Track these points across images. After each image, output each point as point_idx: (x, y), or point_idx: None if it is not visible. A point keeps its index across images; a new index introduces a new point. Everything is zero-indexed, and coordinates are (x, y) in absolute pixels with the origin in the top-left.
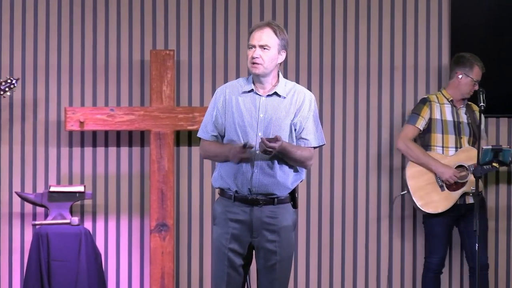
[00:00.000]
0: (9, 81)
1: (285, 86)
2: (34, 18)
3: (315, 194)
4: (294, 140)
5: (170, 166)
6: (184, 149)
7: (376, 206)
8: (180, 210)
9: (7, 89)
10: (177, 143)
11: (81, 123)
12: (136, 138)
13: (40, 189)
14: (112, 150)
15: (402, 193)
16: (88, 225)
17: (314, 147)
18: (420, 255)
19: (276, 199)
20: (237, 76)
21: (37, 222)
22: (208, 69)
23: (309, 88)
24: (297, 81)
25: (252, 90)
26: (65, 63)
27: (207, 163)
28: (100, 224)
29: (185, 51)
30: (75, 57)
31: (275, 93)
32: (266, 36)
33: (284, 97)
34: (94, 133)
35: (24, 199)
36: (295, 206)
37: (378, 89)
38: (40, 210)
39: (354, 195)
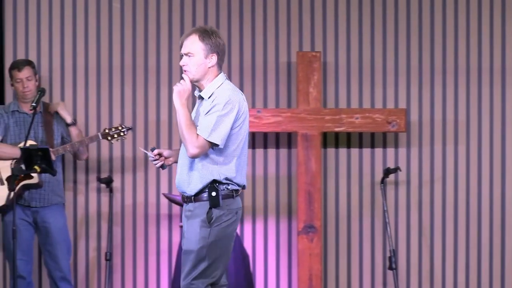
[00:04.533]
0: (120, 127)
1: (214, 88)
2: (181, 21)
3: (463, 196)
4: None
5: (317, 168)
6: (331, 151)
7: None
8: (327, 212)
9: (115, 135)
10: (324, 145)
11: None
12: (283, 140)
13: None
14: (259, 151)
15: None
16: None
17: (205, 138)
18: None
19: (192, 197)
20: (385, 78)
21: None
22: (354, 71)
23: (455, 89)
24: (444, 83)
25: (200, 95)
26: None
27: (355, 164)
28: (247, 226)
29: (332, 52)
30: None
31: (201, 96)
32: (189, 43)
33: (208, 99)
34: None
35: (171, 200)
36: (212, 204)
37: None
38: None
39: (502, 196)
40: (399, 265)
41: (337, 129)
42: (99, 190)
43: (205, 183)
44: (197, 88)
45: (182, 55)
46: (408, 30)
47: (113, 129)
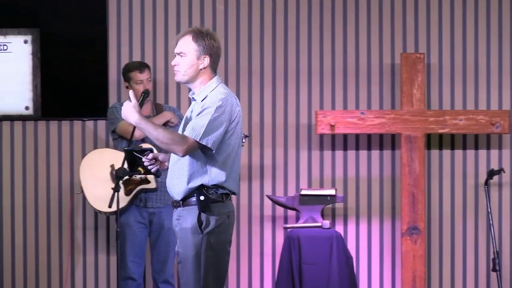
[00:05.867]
0: None
1: (208, 91)
2: (284, 22)
3: None
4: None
5: (421, 169)
6: (434, 152)
7: None
8: (431, 213)
9: None
10: (428, 146)
11: (332, 127)
12: (386, 141)
13: (292, 192)
14: (363, 153)
15: None
16: (339, 228)
17: (196, 140)
18: None
19: (180, 202)
20: (489, 79)
21: (288, 225)
22: (458, 72)
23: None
24: (501, 85)
25: (193, 97)
26: (316, 66)
27: (458, 166)
28: (351, 227)
29: (435, 53)
30: (325, 61)
31: (194, 98)
32: (182, 43)
33: (201, 101)
34: (345, 136)
35: (275, 202)
36: (201, 209)
37: None
38: (291, 213)
39: None
40: (502, 267)
41: (440, 131)
42: None
43: (193, 187)
44: (191, 90)
45: (176, 55)
46: None
47: None
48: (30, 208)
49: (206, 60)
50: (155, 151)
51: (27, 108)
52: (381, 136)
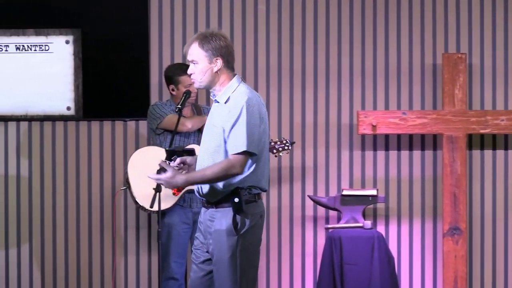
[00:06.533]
0: (284, 141)
1: (230, 92)
2: (326, 23)
3: None
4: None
5: (463, 170)
6: (476, 153)
7: None
8: (472, 214)
9: (280, 149)
10: (469, 147)
11: (374, 127)
12: (428, 142)
13: (333, 192)
14: (405, 153)
15: None
16: (380, 228)
17: (238, 153)
18: None
19: (213, 204)
20: None
21: (330, 226)
22: (500, 72)
23: None
24: None
25: (215, 100)
26: (357, 66)
27: (500, 166)
28: (393, 228)
29: (477, 54)
30: (367, 61)
31: (217, 101)
32: (192, 51)
33: (224, 104)
34: (387, 136)
35: (317, 202)
36: (236, 211)
37: None
38: (332, 213)
39: None
40: None
41: (482, 131)
42: None
43: (229, 190)
44: (212, 92)
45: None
46: None
47: (279, 143)
48: (72, 208)
49: (219, 62)
50: (196, 152)
51: (68, 108)
52: (422, 136)
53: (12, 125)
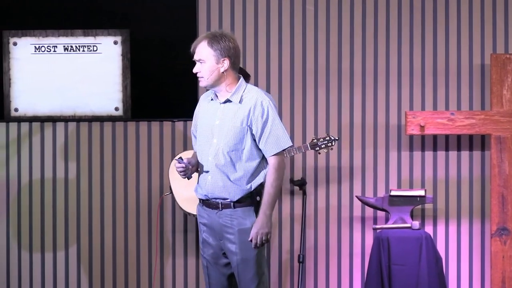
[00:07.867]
0: (327, 138)
1: (241, 92)
2: (374, 23)
3: None
4: (249, 140)
5: (511, 170)
6: None
7: None
8: None
9: (323, 146)
10: None
11: (422, 127)
12: (476, 142)
13: (381, 193)
14: (453, 154)
15: None
16: (428, 229)
17: (276, 154)
18: None
19: (232, 203)
20: None
21: (378, 226)
22: None
23: None
24: None
25: (212, 99)
26: (406, 67)
27: None
28: (440, 228)
29: None
30: (415, 61)
31: (229, 100)
32: (199, 50)
33: (239, 103)
34: (435, 137)
35: (364, 203)
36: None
37: None
38: (380, 214)
39: None
40: None
41: None
42: (292, 193)
43: (252, 188)
44: (213, 93)
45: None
46: None
47: (321, 140)
48: (120, 209)
49: (226, 63)
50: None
51: (116, 109)
52: (470, 136)
53: (60, 126)
